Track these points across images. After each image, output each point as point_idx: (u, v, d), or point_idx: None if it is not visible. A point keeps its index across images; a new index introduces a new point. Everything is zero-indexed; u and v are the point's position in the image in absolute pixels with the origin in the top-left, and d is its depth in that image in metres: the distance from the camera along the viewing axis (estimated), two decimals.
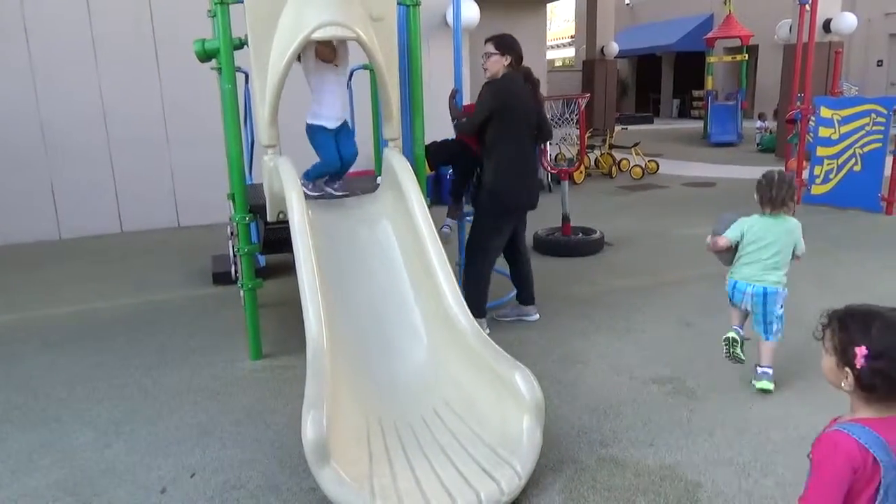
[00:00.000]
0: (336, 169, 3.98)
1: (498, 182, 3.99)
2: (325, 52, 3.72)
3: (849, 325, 1.43)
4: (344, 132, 3.97)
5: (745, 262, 3.32)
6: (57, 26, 6.91)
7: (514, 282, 4.43)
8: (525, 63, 4.04)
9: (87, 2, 7.00)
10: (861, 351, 1.38)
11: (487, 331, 3.97)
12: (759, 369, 3.33)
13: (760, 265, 3.27)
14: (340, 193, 3.97)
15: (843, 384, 1.44)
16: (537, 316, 4.37)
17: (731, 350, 3.43)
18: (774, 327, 3.30)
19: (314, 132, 3.88)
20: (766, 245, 3.25)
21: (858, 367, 1.39)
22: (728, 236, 3.34)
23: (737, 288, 3.36)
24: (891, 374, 1.37)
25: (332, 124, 3.86)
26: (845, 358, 1.42)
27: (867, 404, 1.44)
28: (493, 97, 3.88)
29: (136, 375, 3.73)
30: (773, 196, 3.22)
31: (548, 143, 8.03)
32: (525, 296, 4.39)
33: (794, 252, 3.31)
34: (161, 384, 3.61)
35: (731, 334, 3.44)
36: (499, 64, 3.95)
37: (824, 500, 1.39)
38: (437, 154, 4.17)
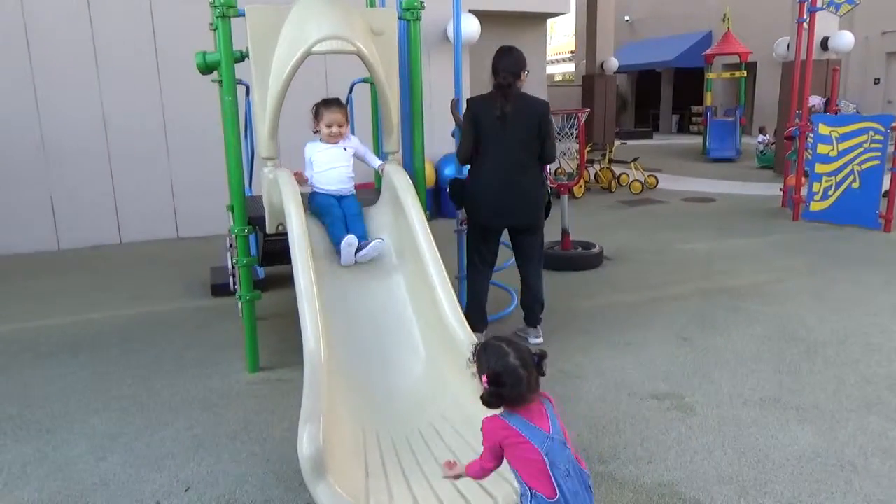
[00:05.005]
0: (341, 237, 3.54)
1: (466, 196, 4.08)
2: (331, 136, 3.69)
3: (479, 355, 1.99)
4: (349, 203, 3.70)
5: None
6: (58, 38, 6.94)
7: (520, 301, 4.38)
8: (523, 76, 3.95)
9: (89, 13, 7.04)
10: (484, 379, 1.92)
11: None
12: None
13: None
14: (366, 261, 3.55)
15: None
16: (540, 339, 4.23)
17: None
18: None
19: (312, 197, 3.73)
20: None
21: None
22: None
23: None
24: (500, 393, 1.92)
25: (330, 189, 3.72)
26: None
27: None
28: (464, 117, 3.99)
29: (132, 387, 3.71)
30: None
31: None
32: (526, 317, 4.33)
33: None
34: (157, 396, 3.59)
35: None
36: None
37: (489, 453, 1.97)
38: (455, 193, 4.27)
